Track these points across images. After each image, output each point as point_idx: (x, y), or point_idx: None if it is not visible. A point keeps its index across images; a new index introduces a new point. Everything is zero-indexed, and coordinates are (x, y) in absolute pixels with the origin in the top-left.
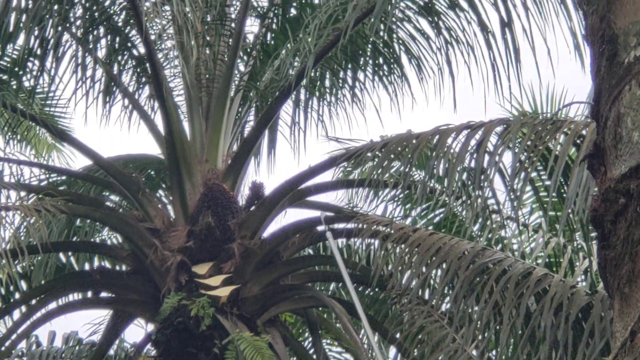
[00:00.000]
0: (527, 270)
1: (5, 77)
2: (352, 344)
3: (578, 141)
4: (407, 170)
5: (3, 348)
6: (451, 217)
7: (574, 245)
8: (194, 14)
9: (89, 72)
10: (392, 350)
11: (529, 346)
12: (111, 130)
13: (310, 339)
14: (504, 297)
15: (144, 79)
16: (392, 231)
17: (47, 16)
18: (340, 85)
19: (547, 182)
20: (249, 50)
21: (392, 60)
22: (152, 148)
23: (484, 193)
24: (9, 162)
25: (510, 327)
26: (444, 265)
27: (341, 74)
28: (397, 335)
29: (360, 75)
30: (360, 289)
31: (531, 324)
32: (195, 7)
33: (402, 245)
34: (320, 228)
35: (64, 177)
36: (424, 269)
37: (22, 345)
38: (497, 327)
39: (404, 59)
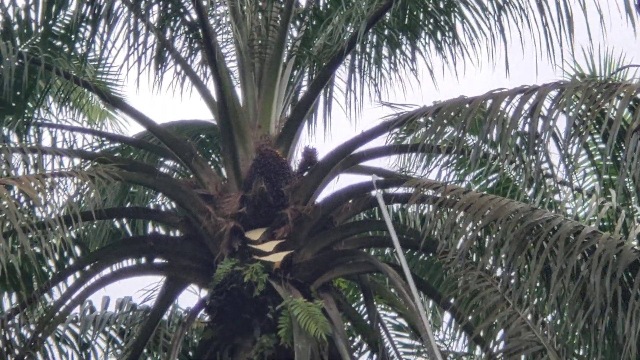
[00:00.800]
0: (576, 228)
1: (58, 43)
2: (406, 309)
3: (633, 105)
4: (460, 135)
5: (57, 313)
6: (505, 182)
7: (629, 210)
8: None
9: (141, 39)
10: (447, 316)
11: (579, 303)
12: (163, 97)
13: (364, 304)
14: (555, 255)
15: (196, 45)
16: (443, 195)
17: None
18: (394, 50)
19: (602, 146)
20: (301, 15)
21: (445, 25)
22: (204, 114)
23: (537, 157)
24: (62, 129)
25: (560, 284)
26: (494, 226)
27: (395, 39)
28: (452, 301)
29: (414, 40)
30: (414, 254)
31: (579, 281)
32: None
33: (453, 208)
34: (374, 193)
35: (117, 144)
36: (474, 231)
37: (76, 310)
38: (547, 286)
39: (458, 24)
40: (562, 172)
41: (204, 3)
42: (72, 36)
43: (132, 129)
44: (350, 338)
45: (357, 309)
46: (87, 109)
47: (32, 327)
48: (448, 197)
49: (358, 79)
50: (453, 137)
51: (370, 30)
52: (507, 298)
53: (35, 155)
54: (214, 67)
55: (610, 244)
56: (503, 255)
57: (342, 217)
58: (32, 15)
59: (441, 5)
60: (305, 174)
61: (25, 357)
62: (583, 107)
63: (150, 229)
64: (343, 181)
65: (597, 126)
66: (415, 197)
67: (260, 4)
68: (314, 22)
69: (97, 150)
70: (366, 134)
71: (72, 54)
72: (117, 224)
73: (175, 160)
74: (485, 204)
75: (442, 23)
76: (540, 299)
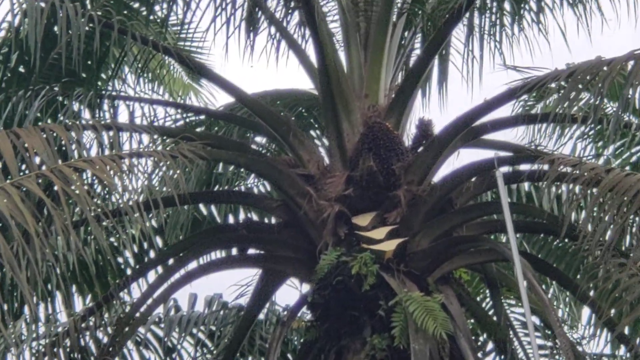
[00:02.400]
0: None
1: (134, 5)
2: (538, 303)
3: None
4: (597, 102)
5: (138, 314)
6: None
7: None
8: None
9: None
10: (585, 311)
11: None
12: (255, 65)
13: (489, 298)
14: None
15: (292, 4)
16: (582, 172)
17: None
18: (519, 5)
19: None
20: None
21: None
22: (303, 83)
23: None
24: (140, 102)
25: None
26: None
27: None
28: (591, 293)
29: None
30: (548, 240)
31: None
32: None
33: (594, 189)
34: (503, 170)
35: (202, 118)
36: (620, 216)
37: (159, 310)
38: None
39: None
40: None
41: None
42: None
43: (220, 100)
44: (474, 337)
45: (481, 303)
46: (168, 80)
47: (109, 330)
48: (586, 175)
49: (478, 39)
50: (589, 104)
51: None
52: None
53: (111, 133)
54: (313, 29)
55: None
56: None
57: (463, 198)
58: None
59: None
60: (420, 149)
61: None
62: None
63: (242, 215)
64: (464, 157)
65: None
66: (552, 176)
67: None
68: None
69: (180, 125)
70: (489, 102)
71: (151, 17)
72: (203, 210)
73: (270, 135)
74: (633, 184)
75: None
76: None
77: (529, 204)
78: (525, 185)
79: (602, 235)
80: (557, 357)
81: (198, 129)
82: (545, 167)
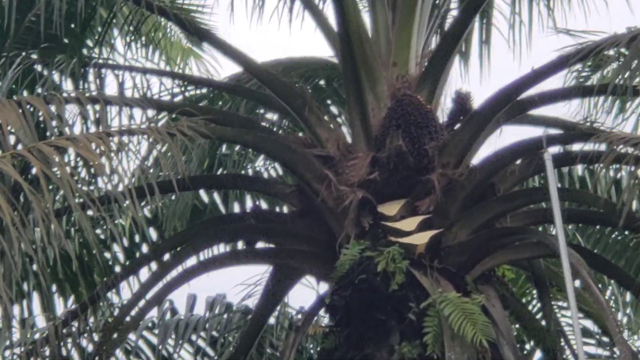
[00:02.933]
0: None
1: None
2: (594, 306)
3: None
4: None
5: (128, 318)
6: None
7: None
8: None
9: None
10: None
11: None
12: (266, 29)
13: (537, 299)
14: None
15: None
16: None
17: None
18: None
19: None
20: None
21: None
22: (321, 50)
23: None
24: (131, 71)
25: None
26: None
27: None
28: None
29: None
30: (606, 233)
31: None
32: None
33: None
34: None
35: (204, 90)
36: None
37: (153, 313)
38: None
39: None
40: None
41: None
42: None
43: (225, 70)
44: (519, 344)
45: (528, 305)
46: (164, 46)
47: (95, 336)
48: None
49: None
50: None
51: None
52: None
53: (97, 107)
54: None
55: None
56: None
57: (506, 183)
58: None
59: None
60: (457, 126)
61: None
62: None
63: (249, 202)
64: (507, 136)
65: None
66: (609, 157)
67: None
68: None
69: (179, 99)
70: (538, 72)
71: None
72: (204, 197)
73: (282, 110)
74: None
75: None
76: None
77: (583, 190)
78: (579, 169)
79: None
80: None
81: (199, 104)
82: (602, 147)
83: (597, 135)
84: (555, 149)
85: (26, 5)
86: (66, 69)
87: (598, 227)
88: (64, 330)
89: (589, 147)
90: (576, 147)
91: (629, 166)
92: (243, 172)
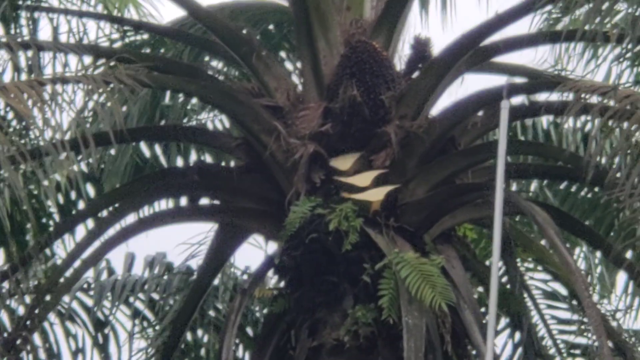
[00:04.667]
0: None
1: None
2: (561, 267)
3: None
4: (638, 15)
5: (62, 279)
6: None
7: None
8: None
9: None
10: (620, 276)
11: None
12: None
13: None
14: None
15: None
16: (617, 102)
17: None
18: None
19: None
20: None
21: None
22: None
23: None
24: (66, 15)
25: None
26: None
27: None
28: (627, 254)
29: None
30: (573, 189)
31: None
32: None
33: (629, 122)
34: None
35: (145, 36)
36: None
37: (89, 274)
38: None
39: None
40: None
41: None
42: None
43: (167, 14)
44: (482, 309)
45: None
46: None
47: (27, 298)
48: (622, 105)
49: None
50: (627, 18)
51: None
52: None
53: (29, 53)
54: None
55: None
56: None
57: (468, 136)
58: None
59: None
60: (416, 75)
61: (18, 341)
62: None
63: (193, 156)
64: (470, 85)
65: None
66: (575, 107)
67: None
68: None
69: (117, 45)
70: (502, 16)
71: None
72: (145, 151)
73: (228, 58)
74: None
75: None
76: None
77: (547, 143)
78: (544, 121)
79: None
80: (585, 333)
81: (140, 50)
82: (570, 97)
83: (563, 84)
84: (519, 99)
85: None
86: None
87: (566, 183)
88: None
89: (555, 97)
90: (542, 97)
91: (598, 116)
92: (187, 124)
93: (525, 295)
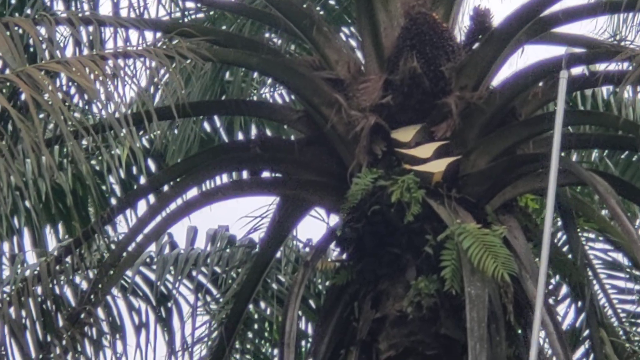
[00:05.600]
0: None
1: None
2: (623, 237)
3: None
4: None
5: (125, 254)
6: None
7: None
8: None
9: None
10: None
11: None
12: None
13: (563, 231)
14: None
15: None
16: None
17: None
18: None
19: None
20: None
21: None
22: None
23: None
24: None
25: None
26: None
27: None
28: None
29: None
30: (634, 159)
31: None
32: None
33: None
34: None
35: (205, 11)
36: None
37: (151, 249)
38: None
39: None
40: None
41: None
42: None
43: None
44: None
45: (553, 238)
46: None
47: (90, 273)
48: None
49: None
50: None
51: None
52: None
53: (90, 29)
54: None
55: None
56: None
57: (529, 107)
58: None
59: None
60: (476, 46)
61: (82, 315)
62: None
63: (254, 130)
64: (530, 55)
65: None
66: (633, 75)
67: None
68: None
69: (179, 21)
70: None
71: None
72: (206, 126)
73: (289, 32)
74: None
75: None
76: None
77: (608, 113)
78: (604, 92)
79: None
80: None
81: (202, 25)
82: (629, 65)
83: (623, 53)
84: (579, 70)
85: None
86: None
87: (627, 153)
88: (57, 267)
89: (614, 67)
90: (602, 67)
91: None
92: (248, 98)
93: (587, 264)
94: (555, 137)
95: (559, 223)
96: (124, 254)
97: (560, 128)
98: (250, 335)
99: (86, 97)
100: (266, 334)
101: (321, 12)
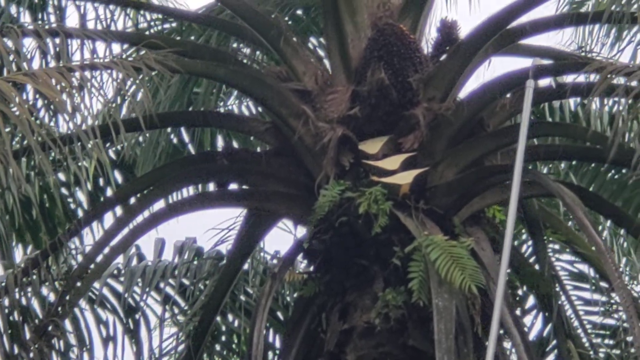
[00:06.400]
0: None
1: None
2: (590, 248)
3: None
4: None
5: (92, 266)
6: None
7: None
8: None
9: None
10: None
11: None
12: None
13: (530, 242)
14: None
15: None
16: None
17: None
18: None
19: None
20: None
21: None
22: None
23: None
24: (93, 2)
25: None
26: None
27: None
28: None
29: None
30: (602, 170)
31: None
32: None
33: None
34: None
35: (173, 23)
36: None
37: (119, 260)
38: None
39: None
40: None
41: None
42: None
43: (194, 1)
44: (511, 290)
45: (521, 249)
46: None
47: (57, 285)
48: None
49: None
50: None
51: None
52: None
53: (57, 40)
54: None
55: None
56: None
57: (496, 118)
58: None
59: None
60: (443, 57)
61: (50, 328)
62: None
63: (221, 142)
64: (497, 67)
65: None
66: (601, 87)
67: None
68: None
69: (146, 32)
70: None
71: None
72: (173, 138)
73: (257, 43)
74: None
75: None
76: None
77: (575, 124)
78: (572, 104)
79: None
80: (614, 315)
81: (169, 37)
82: (597, 78)
83: (590, 65)
84: (546, 81)
85: None
86: (24, 0)
87: (593, 165)
88: (24, 279)
89: (582, 79)
90: (570, 79)
91: (620, 97)
92: (215, 109)
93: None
94: (520, 144)
95: (525, 235)
96: (92, 266)
97: (525, 136)
98: (217, 347)
99: (53, 109)
100: (234, 346)
101: (289, 23)
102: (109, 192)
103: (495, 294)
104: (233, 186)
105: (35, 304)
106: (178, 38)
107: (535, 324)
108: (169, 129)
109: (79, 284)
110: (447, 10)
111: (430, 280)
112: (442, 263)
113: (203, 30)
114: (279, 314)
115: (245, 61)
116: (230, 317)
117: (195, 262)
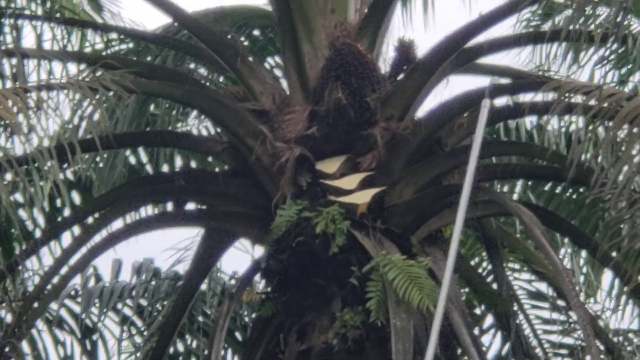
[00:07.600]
0: None
1: None
2: (548, 267)
3: None
4: (620, 17)
5: (50, 286)
6: None
7: None
8: None
9: None
10: (607, 275)
11: None
12: None
13: (487, 262)
14: None
15: None
16: (598, 100)
17: None
18: None
19: None
20: None
21: None
22: None
23: None
24: (50, 22)
25: None
26: None
27: None
28: (614, 254)
29: None
30: (558, 190)
31: None
32: None
33: (613, 122)
34: (485, 102)
35: (130, 44)
36: None
37: (76, 281)
38: None
39: None
40: None
41: None
42: None
43: (151, 21)
44: (469, 309)
45: (478, 268)
46: None
47: (14, 306)
48: (605, 105)
49: None
50: (610, 20)
51: None
52: None
53: (14, 61)
54: None
55: None
56: None
57: (455, 137)
58: None
59: None
60: (401, 77)
61: (7, 349)
62: None
63: (179, 162)
64: (455, 86)
65: None
66: (559, 106)
67: None
68: None
69: (103, 53)
70: (486, 17)
71: None
72: (131, 158)
73: (213, 63)
74: None
75: None
76: None
77: (533, 143)
78: (528, 124)
79: (628, 182)
80: (572, 333)
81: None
82: (554, 97)
83: (547, 84)
84: (503, 100)
85: None
86: None
87: (551, 184)
88: None
89: (539, 98)
90: (527, 99)
91: (578, 116)
92: (173, 129)
93: (512, 295)
94: (471, 163)
95: (484, 253)
96: (49, 287)
97: (476, 155)
98: None
99: (9, 130)
100: None
101: (245, 43)
102: (67, 212)
103: (453, 314)
104: (191, 206)
105: None
106: (135, 58)
107: (493, 343)
108: (127, 150)
109: (36, 304)
110: (405, 29)
111: (388, 300)
112: (400, 283)
113: (160, 51)
114: (237, 335)
115: (202, 81)
116: (188, 337)
117: (153, 283)
